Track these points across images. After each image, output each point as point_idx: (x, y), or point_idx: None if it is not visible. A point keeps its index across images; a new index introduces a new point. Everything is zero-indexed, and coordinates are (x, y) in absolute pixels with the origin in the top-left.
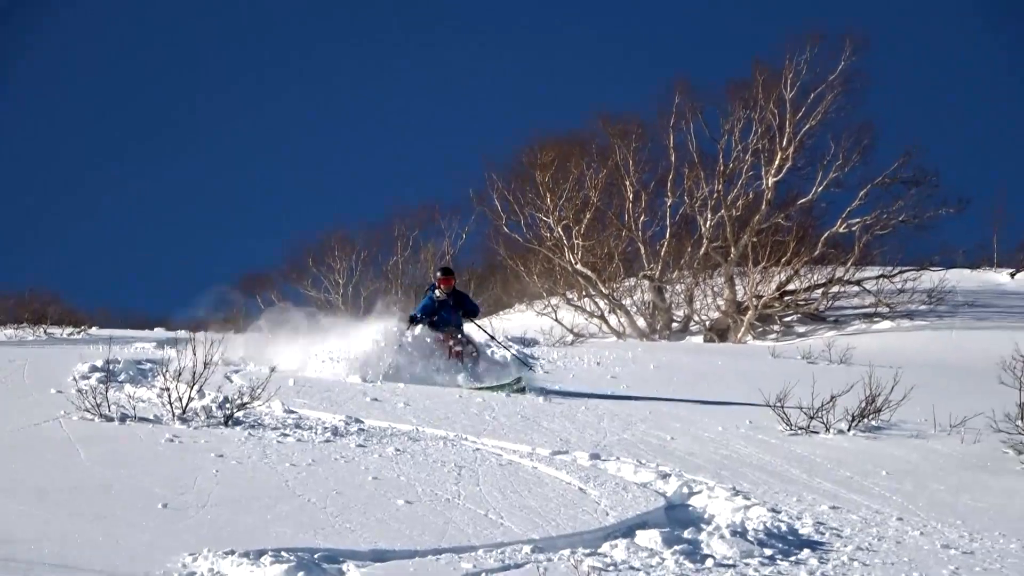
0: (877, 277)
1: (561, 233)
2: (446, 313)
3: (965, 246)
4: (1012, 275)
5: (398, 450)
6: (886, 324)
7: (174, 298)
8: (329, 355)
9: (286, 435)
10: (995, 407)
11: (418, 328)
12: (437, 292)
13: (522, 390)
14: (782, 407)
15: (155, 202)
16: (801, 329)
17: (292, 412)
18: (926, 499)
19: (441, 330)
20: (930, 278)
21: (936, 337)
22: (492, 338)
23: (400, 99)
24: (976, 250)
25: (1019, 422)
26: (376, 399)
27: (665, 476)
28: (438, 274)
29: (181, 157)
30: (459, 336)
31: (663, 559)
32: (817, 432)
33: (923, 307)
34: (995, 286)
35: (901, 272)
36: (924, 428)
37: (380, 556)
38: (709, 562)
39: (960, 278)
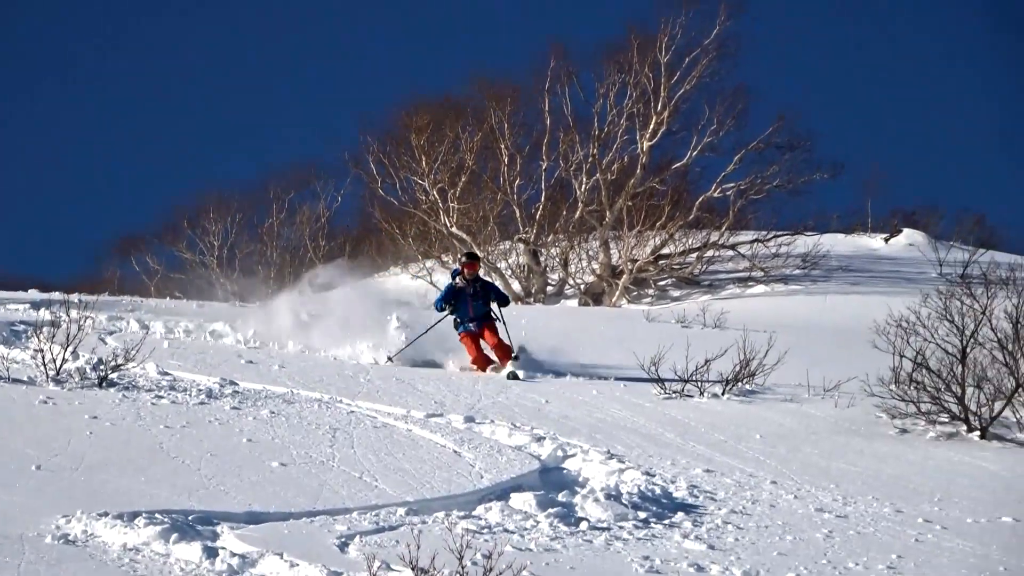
0: (751, 242)
1: (436, 196)
2: (465, 303)
3: (839, 211)
4: (886, 240)
5: (273, 412)
6: (760, 289)
7: (49, 260)
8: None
9: (160, 397)
10: (868, 371)
11: (440, 315)
12: (458, 279)
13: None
14: (657, 371)
15: (30, 159)
16: (676, 293)
17: (167, 374)
18: (800, 463)
19: (465, 325)
20: (804, 243)
21: (810, 301)
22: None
23: (276, 58)
24: (850, 215)
25: (892, 386)
26: (251, 361)
27: (540, 439)
28: (462, 259)
29: (52, 112)
30: (493, 330)
31: (537, 522)
32: (692, 396)
33: (797, 272)
34: (869, 251)
35: (775, 237)
36: (798, 392)
37: (254, 518)
38: (583, 525)
39: (834, 243)
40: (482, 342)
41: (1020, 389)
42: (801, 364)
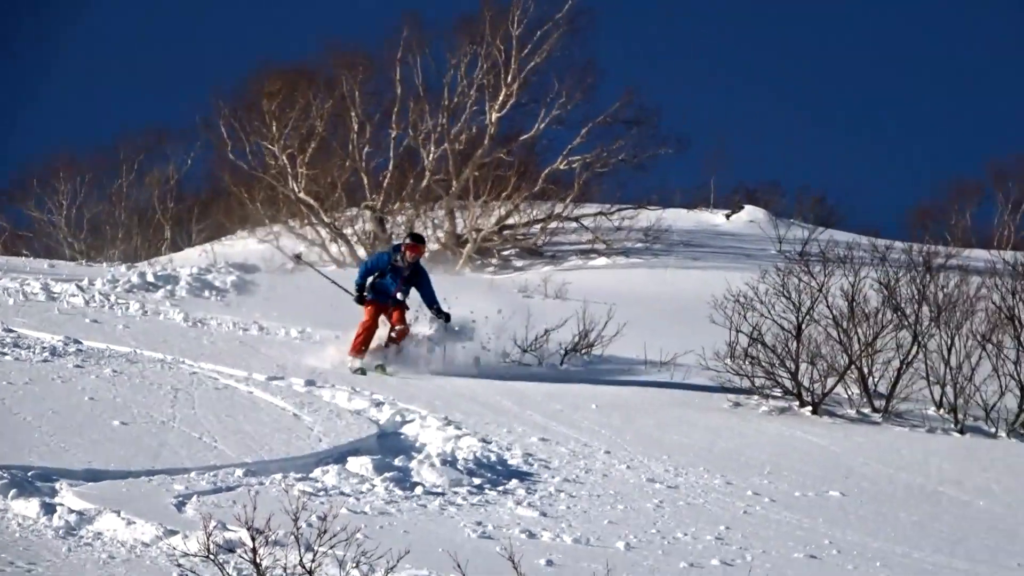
0: (595, 214)
1: (286, 161)
2: (392, 281)
3: (683, 187)
4: (728, 216)
5: (115, 371)
6: (602, 261)
7: None
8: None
9: (4, 354)
10: (705, 345)
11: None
12: (398, 257)
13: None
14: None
15: None
16: (519, 263)
17: (11, 331)
18: (634, 433)
19: (382, 297)
20: (647, 217)
21: (651, 275)
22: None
23: (131, 20)
24: (694, 191)
25: (728, 361)
26: (96, 321)
27: (379, 404)
28: (407, 240)
29: None
30: (402, 314)
31: (373, 485)
32: (530, 365)
33: (639, 245)
34: (711, 227)
35: (619, 210)
36: (635, 364)
37: (94, 476)
38: (418, 490)
39: (677, 218)
40: (382, 318)
41: (852, 366)
42: (639, 336)
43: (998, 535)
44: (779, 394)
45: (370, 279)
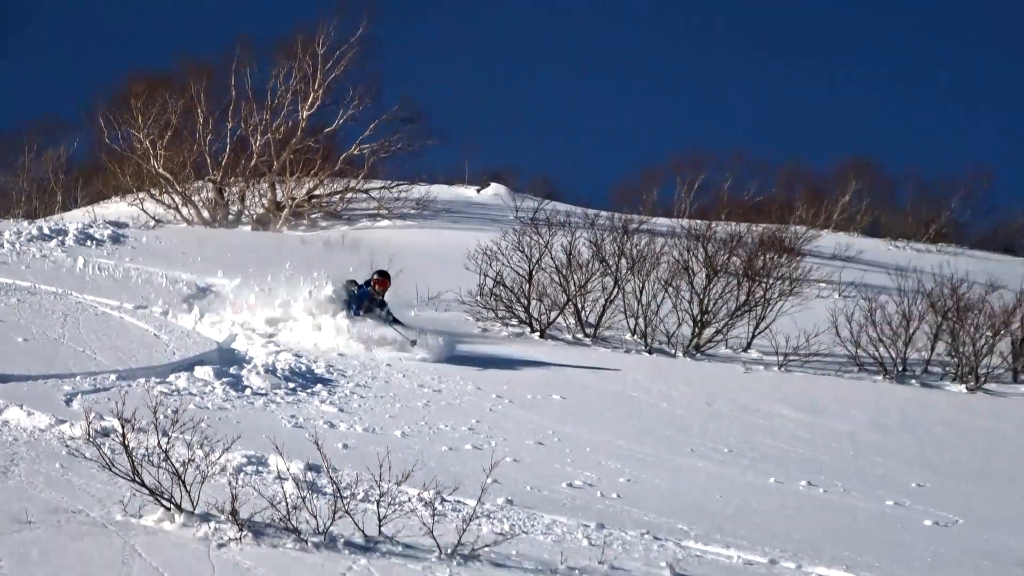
0: (380, 188)
1: (148, 145)
2: (371, 310)
3: (445, 168)
4: (478, 191)
5: (19, 300)
6: (386, 223)
7: None
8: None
9: None
10: (461, 286)
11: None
12: (371, 291)
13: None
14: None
15: None
16: (324, 224)
17: None
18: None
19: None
20: (419, 190)
21: (421, 233)
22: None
23: (33, 27)
24: (453, 171)
25: (478, 298)
26: (4, 263)
27: (216, 324)
28: (375, 275)
29: None
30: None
31: (214, 387)
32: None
33: (413, 211)
34: (465, 198)
35: (397, 185)
36: (409, 299)
37: (2, 379)
38: (248, 391)
39: (440, 191)
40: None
41: (570, 303)
42: (412, 279)
43: (675, 428)
44: (515, 323)
45: (362, 311)
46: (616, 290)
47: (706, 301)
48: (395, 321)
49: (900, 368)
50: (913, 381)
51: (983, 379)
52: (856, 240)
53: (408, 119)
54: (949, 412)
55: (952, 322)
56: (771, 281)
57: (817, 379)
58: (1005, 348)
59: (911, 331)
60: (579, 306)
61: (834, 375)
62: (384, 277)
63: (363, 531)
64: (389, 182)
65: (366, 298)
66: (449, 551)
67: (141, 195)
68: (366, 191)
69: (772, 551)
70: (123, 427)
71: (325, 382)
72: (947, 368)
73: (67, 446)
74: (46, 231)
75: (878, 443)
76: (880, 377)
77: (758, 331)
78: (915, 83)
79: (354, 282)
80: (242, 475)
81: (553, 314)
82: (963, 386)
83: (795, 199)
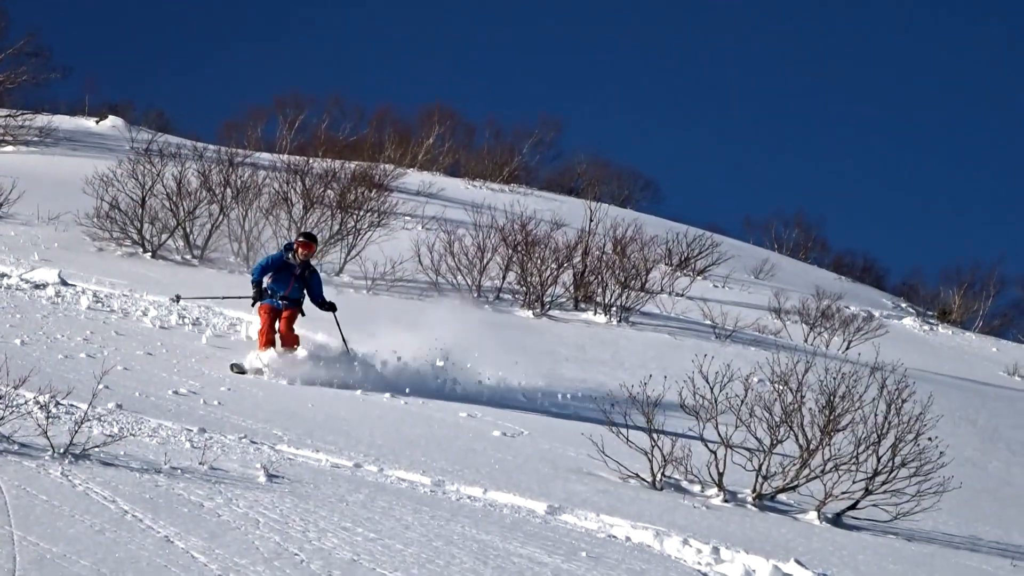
0: (5, 116)
1: None
2: (283, 280)
3: (68, 100)
4: (97, 122)
5: None
6: (10, 148)
7: None
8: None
9: None
10: (79, 208)
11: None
12: (290, 255)
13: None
14: None
15: None
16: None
17: None
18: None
19: (275, 300)
20: (42, 119)
21: (44, 159)
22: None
23: None
24: (75, 103)
25: (95, 219)
26: None
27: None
28: (299, 238)
29: None
30: (292, 320)
31: None
32: None
33: (36, 139)
34: (86, 129)
35: (22, 114)
36: (31, 219)
37: None
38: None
39: (63, 121)
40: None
41: (180, 227)
42: (33, 201)
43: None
44: (129, 244)
45: (266, 279)
46: (222, 217)
47: (303, 229)
48: (330, 307)
49: (475, 294)
50: (487, 306)
51: (548, 306)
52: (438, 179)
53: (33, 53)
54: (517, 333)
55: (521, 255)
56: (362, 213)
57: (402, 302)
58: (567, 279)
59: (485, 261)
60: (188, 230)
61: (417, 299)
62: (310, 240)
63: None
64: (14, 111)
65: (279, 263)
66: (62, 450)
67: None
68: None
69: (357, 456)
70: None
71: None
72: (516, 295)
73: None
74: None
75: None
76: (457, 302)
77: (350, 257)
78: (493, 35)
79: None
80: None
81: (164, 236)
82: (530, 312)
83: (385, 140)
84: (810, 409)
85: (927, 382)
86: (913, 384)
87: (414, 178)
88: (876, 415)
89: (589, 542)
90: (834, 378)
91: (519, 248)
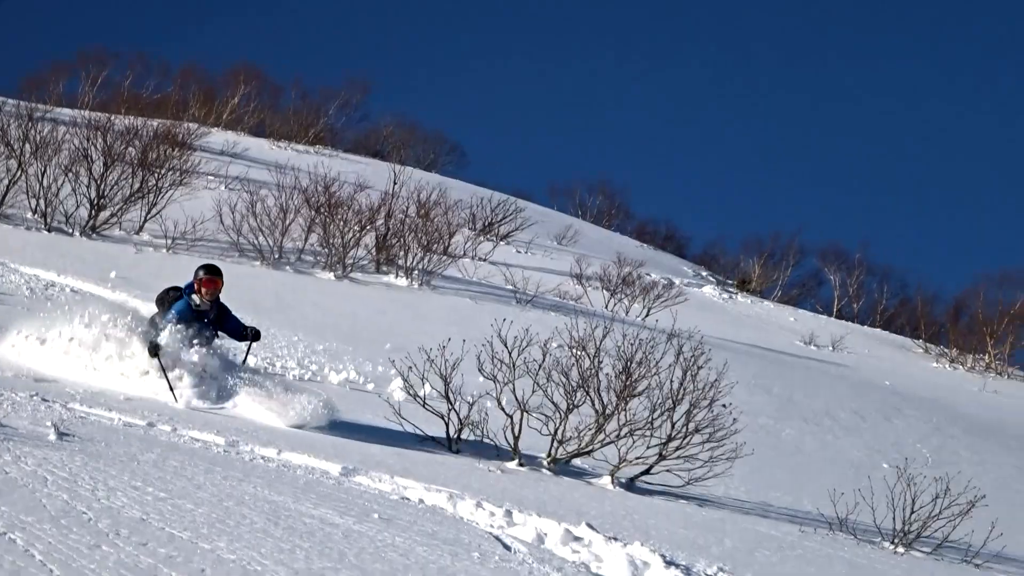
0: None
1: None
2: (199, 328)
3: None
4: None
5: None
6: None
7: None
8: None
9: None
10: None
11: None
12: (195, 298)
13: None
14: None
15: None
16: None
17: None
18: None
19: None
20: None
21: None
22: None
23: None
24: None
25: None
26: None
27: None
28: (200, 273)
29: None
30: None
31: None
32: None
33: None
34: None
35: None
36: None
37: None
38: None
39: None
40: None
41: None
42: None
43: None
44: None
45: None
46: (20, 172)
47: (103, 186)
48: (254, 337)
49: (277, 255)
50: (288, 268)
51: (350, 268)
52: (243, 139)
53: None
54: (318, 296)
55: (324, 216)
56: (164, 171)
57: (201, 261)
58: (370, 241)
59: (288, 223)
60: None
61: (217, 259)
62: (215, 275)
63: None
64: None
65: (188, 314)
66: None
67: None
68: None
69: (151, 416)
70: None
71: None
72: (318, 257)
73: None
74: None
75: (263, 323)
76: (259, 263)
77: (150, 216)
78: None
79: (175, 288)
80: None
81: None
82: (332, 274)
83: (190, 98)
84: (607, 375)
85: (724, 350)
86: (709, 351)
87: (218, 137)
88: (672, 381)
89: (382, 504)
90: (632, 344)
91: (322, 210)
